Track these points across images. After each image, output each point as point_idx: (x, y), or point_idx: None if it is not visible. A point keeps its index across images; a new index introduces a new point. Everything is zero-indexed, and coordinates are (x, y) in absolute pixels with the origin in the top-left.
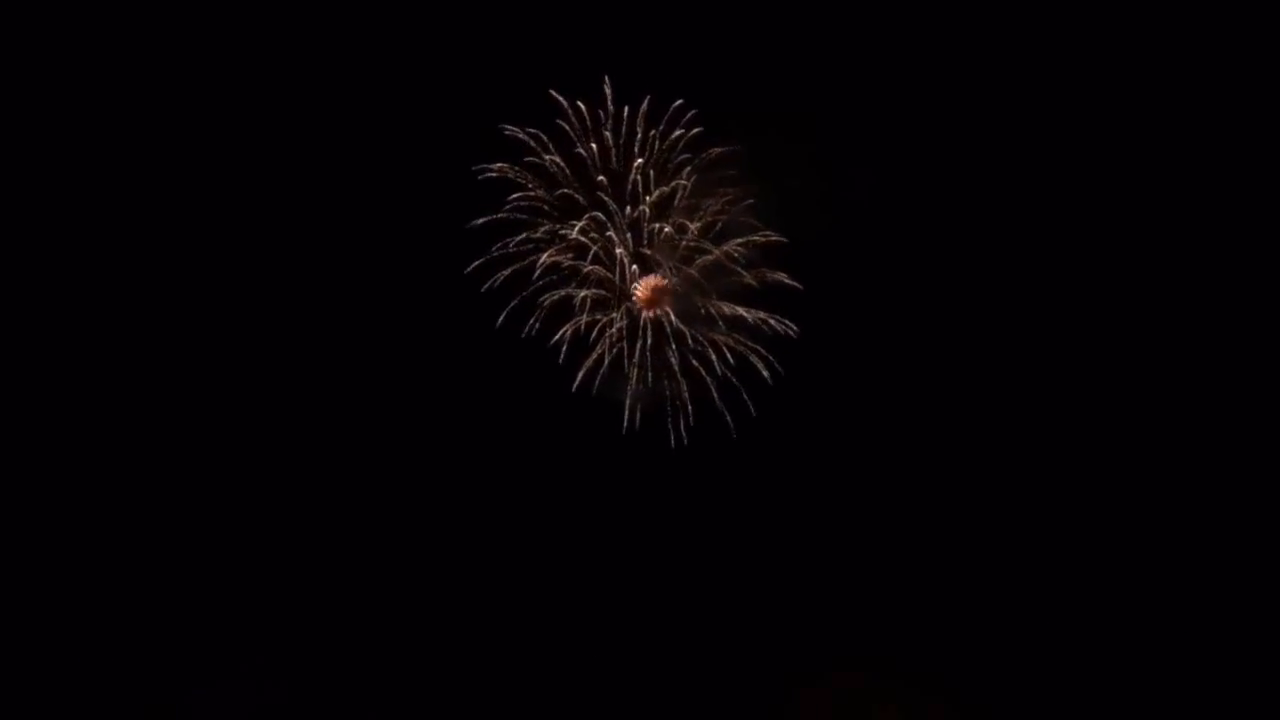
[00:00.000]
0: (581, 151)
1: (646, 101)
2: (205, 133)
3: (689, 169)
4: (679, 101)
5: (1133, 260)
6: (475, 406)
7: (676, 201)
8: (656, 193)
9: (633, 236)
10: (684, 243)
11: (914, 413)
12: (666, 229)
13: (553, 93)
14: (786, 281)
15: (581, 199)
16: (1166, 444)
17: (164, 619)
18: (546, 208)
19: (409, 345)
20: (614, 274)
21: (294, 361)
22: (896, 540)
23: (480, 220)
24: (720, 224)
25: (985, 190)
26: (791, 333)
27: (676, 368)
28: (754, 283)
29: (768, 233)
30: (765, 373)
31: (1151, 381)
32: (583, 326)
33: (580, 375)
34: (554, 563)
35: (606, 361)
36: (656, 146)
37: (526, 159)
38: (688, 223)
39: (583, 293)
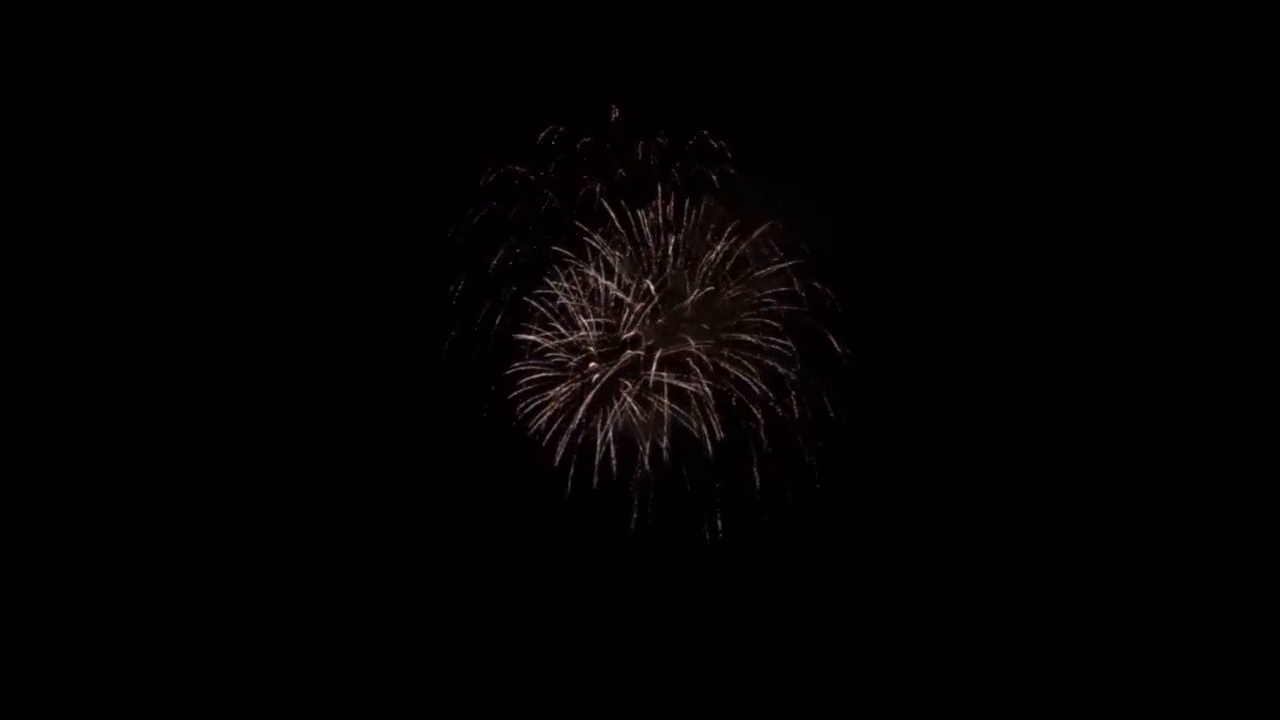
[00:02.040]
0: (591, 188)
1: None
2: (166, 190)
3: (709, 204)
4: (702, 132)
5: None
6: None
7: (697, 249)
8: (675, 238)
9: (640, 283)
10: (704, 288)
11: (914, 416)
12: (684, 274)
13: (553, 127)
14: (835, 347)
15: (593, 241)
16: (1164, 446)
17: (165, 623)
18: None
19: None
20: (619, 328)
21: (294, 361)
22: (897, 541)
23: (460, 283)
24: (750, 257)
25: (1048, 265)
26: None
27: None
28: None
29: (813, 283)
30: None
31: (1149, 385)
32: (579, 419)
33: (571, 473)
34: (554, 566)
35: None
36: (671, 185)
37: (514, 205)
38: (716, 277)
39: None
